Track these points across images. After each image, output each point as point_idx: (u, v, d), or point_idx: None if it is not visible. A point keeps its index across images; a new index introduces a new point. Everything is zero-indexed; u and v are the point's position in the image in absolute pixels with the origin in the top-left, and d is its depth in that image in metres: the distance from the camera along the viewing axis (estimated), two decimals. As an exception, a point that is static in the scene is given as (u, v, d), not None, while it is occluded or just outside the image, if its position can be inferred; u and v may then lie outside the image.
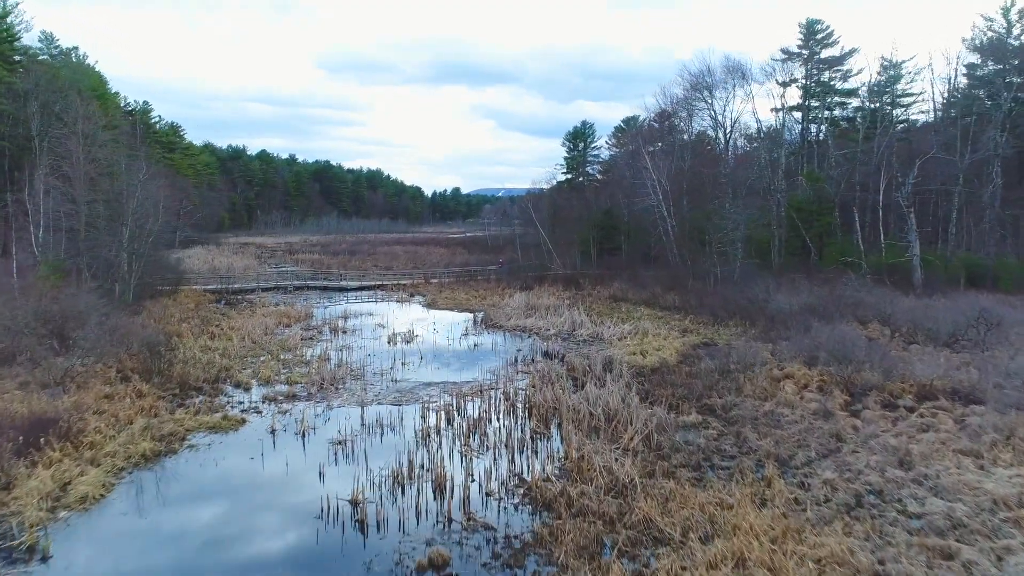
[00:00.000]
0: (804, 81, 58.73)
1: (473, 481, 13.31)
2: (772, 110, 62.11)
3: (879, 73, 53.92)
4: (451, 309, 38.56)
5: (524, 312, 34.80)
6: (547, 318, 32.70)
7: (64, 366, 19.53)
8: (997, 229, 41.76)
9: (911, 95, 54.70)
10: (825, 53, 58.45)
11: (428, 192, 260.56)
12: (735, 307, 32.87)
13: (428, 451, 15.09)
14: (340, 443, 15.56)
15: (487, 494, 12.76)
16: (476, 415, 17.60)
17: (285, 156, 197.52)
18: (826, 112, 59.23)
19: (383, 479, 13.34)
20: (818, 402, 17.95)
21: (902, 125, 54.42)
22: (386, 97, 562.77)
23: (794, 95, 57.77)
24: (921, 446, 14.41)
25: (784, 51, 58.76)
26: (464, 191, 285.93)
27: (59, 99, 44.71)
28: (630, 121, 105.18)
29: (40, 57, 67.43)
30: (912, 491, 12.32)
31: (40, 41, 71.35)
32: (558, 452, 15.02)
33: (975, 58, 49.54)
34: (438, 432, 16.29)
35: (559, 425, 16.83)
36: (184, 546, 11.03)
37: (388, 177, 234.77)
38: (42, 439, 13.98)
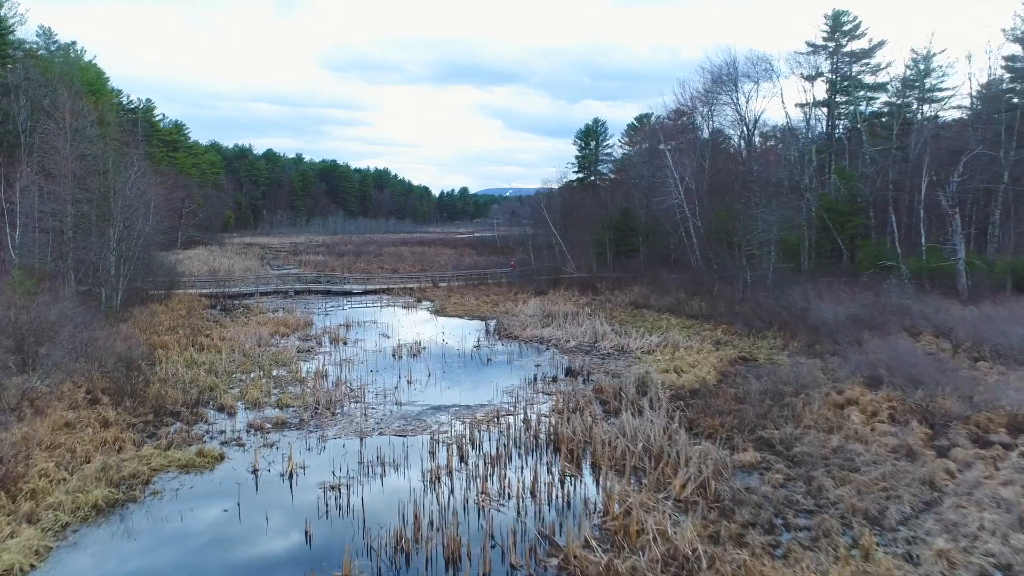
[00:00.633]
0: (830, 75, 55.88)
1: (494, 546, 10.74)
2: (797, 105, 59.24)
3: (909, 67, 51.07)
4: (461, 316, 36.02)
5: (540, 320, 32.20)
6: (566, 327, 30.09)
7: (22, 388, 17.09)
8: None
9: (942, 89, 51.79)
10: (851, 46, 55.52)
11: (435, 192, 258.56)
12: (771, 316, 30.18)
13: (438, 500, 12.54)
14: (333, 488, 13.03)
15: (512, 567, 10.18)
16: (494, 450, 15.03)
17: (291, 156, 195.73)
18: (852, 108, 56.38)
19: (383, 541, 10.78)
20: (894, 436, 15.29)
21: (936, 121, 51.56)
22: (393, 97, 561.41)
23: (815, 91, 54.98)
24: (1042, 500, 11.75)
25: (809, 44, 55.87)
26: (472, 191, 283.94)
27: (48, 93, 42.49)
28: (643, 119, 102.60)
29: (39, 52, 65.46)
30: (1055, 569, 9.67)
31: (38, 36, 69.33)
32: (596, 504, 12.42)
33: (1016, 49, 46.62)
34: (450, 473, 13.72)
35: (593, 465, 14.25)
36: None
37: (395, 177, 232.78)
38: (-30, 488, 11.52)
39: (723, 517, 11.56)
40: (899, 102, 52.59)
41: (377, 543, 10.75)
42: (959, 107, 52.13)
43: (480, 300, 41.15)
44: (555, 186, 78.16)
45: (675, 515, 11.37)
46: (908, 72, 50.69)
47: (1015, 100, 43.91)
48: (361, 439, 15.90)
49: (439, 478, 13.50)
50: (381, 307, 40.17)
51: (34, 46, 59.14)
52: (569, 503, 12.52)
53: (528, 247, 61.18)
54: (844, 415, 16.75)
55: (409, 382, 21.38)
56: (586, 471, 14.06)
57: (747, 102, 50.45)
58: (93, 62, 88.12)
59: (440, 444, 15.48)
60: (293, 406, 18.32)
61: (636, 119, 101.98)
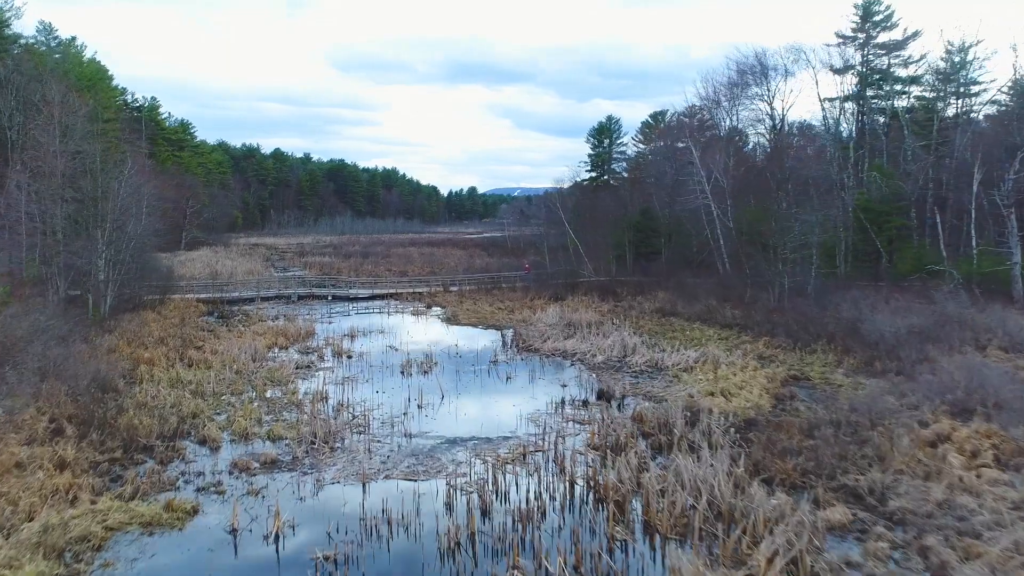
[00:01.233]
0: (860, 68, 52.91)
1: (535, 658, 8.13)
2: (825, 100, 56.39)
3: (944, 59, 48.07)
4: (475, 325, 33.43)
5: (561, 330, 29.57)
6: (590, 339, 27.44)
7: (-29, 419, 14.65)
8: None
9: (979, 83, 48.74)
10: (883, 37, 52.51)
11: (444, 192, 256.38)
12: (818, 328, 27.42)
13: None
14: (327, 558, 10.45)
15: None
16: (523, 502, 12.42)
17: (299, 155, 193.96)
18: (888, 102, 53.38)
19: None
20: (1010, 486, 12.58)
21: (974, 114, 48.60)
22: (401, 96, 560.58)
23: (845, 84, 52.02)
24: None
25: (838, 35, 52.89)
26: (480, 190, 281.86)
27: (39, 88, 40.26)
28: (658, 116, 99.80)
29: (40, 48, 63.44)
30: None
31: (38, 31, 67.38)
32: (660, 587, 9.79)
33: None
34: (471, 537, 11.12)
35: (646, 525, 11.62)
36: None
37: (403, 176, 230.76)
38: None
39: (831, 612, 8.91)
40: (937, 95, 49.66)
41: (381, 651, 8.17)
42: (994, 102, 49.11)
43: (494, 306, 38.57)
44: (565, 185, 75.49)
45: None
46: (944, 64, 47.75)
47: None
48: (363, 484, 13.33)
49: (458, 543, 10.90)
50: (389, 314, 37.65)
51: (31, 40, 57.00)
52: (625, 584, 9.90)
53: (543, 249, 58.50)
54: (939, 456, 14.03)
55: (420, 406, 18.79)
56: (639, 533, 11.43)
57: (774, 95, 47.75)
58: (96, 59, 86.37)
59: (458, 492, 12.89)
60: (286, 438, 15.77)
61: (651, 116, 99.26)
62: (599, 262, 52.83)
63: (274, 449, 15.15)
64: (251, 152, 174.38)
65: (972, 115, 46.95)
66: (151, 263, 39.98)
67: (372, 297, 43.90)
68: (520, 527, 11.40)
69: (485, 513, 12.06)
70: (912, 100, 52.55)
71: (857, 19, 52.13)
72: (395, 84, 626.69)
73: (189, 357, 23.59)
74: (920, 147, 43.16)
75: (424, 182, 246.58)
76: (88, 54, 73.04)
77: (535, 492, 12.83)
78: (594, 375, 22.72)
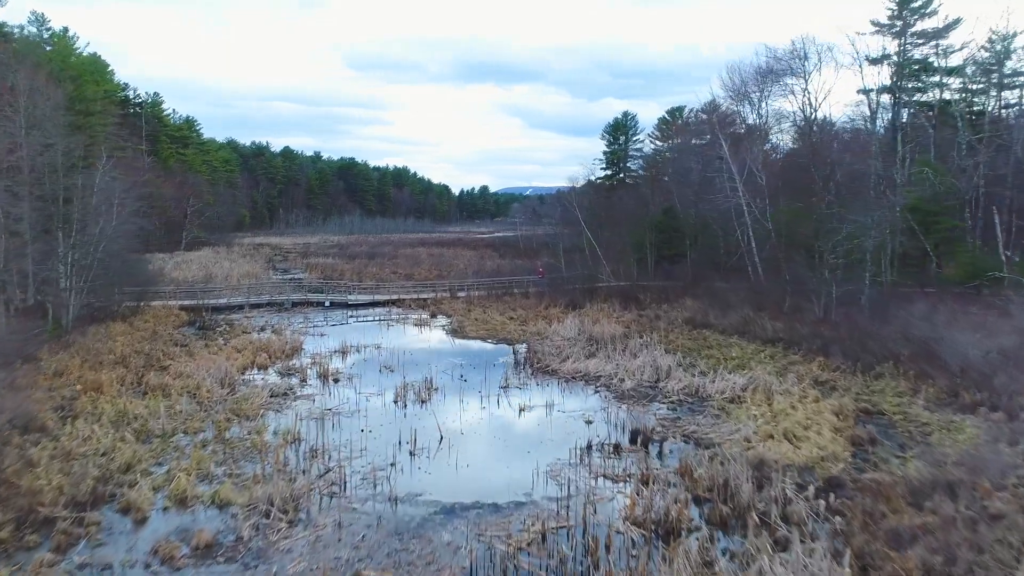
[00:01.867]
0: (896, 58, 48.75)
1: None
2: (859, 92, 52.16)
3: (986, 47, 43.90)
4: (483, 339, 29.79)
5: (582, 347, 25.88)
6: (616, 358, 23.74)
7: None
8: None
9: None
10: (921, 25, 48.29)
11: (455, 191, 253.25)
12: (880, 346, 23.56)
13: None
14: None
15: None
16: (544, 621, 8.78)
17: (310, 153, 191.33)
18: (926, 94, 49.20)
19: None
20: None
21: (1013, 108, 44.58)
22: (413, 96, 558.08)
23: (877, 75, 47.91)
24: None
25: (873, 23, 48.70)
26: (492, 189, 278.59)
27: (11, 75, 37.02)
28: (675, 112, 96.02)
29: (28, 37, 60.53)
30: None
31: (30, 22, 64.47)
32: None
33: None
34: None
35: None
36: None
37: (415, 175, 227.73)
38: None
39: None
40: (982, 86, 45.53)
41: None
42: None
43: (505, 316, 34.92)
44: (578, 184, 71.83)
45: None
46: (987, 54, 43.64)
47: None
48: (326, 585, 9.75)
49: None
50: (389, 324, 34.09)
51: (14, 30, 53.91)
52: None
53: (557, 251, 54.78)
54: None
55: (412, 452, 15.18)
56: None
57: (808, 80, 43.65)
58: (96, 54, 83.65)
59: (454, 601, 9.27)
60: (236, 504, 12.22)
61: (668, 112, 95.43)
62: (618, 265, 49.10)
63: (216, 522, 11.61)
64: (260, 150, 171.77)
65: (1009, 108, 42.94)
66: (132, 267, 36.66)
67: (372, 304, 40.41)
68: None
69: (490, 643, 8.45)
70: (953, 92, 48.40)
71: (894, 6, 47.97)
72: (406, 83, 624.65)
73: (147, 382, 20.12)
74: (975, 141, 39.08)
75: (435, 181, 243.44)
76: (86, 48, 70.08)
77: (560, 603, 9.20)
78: (623, 406, 19.01)
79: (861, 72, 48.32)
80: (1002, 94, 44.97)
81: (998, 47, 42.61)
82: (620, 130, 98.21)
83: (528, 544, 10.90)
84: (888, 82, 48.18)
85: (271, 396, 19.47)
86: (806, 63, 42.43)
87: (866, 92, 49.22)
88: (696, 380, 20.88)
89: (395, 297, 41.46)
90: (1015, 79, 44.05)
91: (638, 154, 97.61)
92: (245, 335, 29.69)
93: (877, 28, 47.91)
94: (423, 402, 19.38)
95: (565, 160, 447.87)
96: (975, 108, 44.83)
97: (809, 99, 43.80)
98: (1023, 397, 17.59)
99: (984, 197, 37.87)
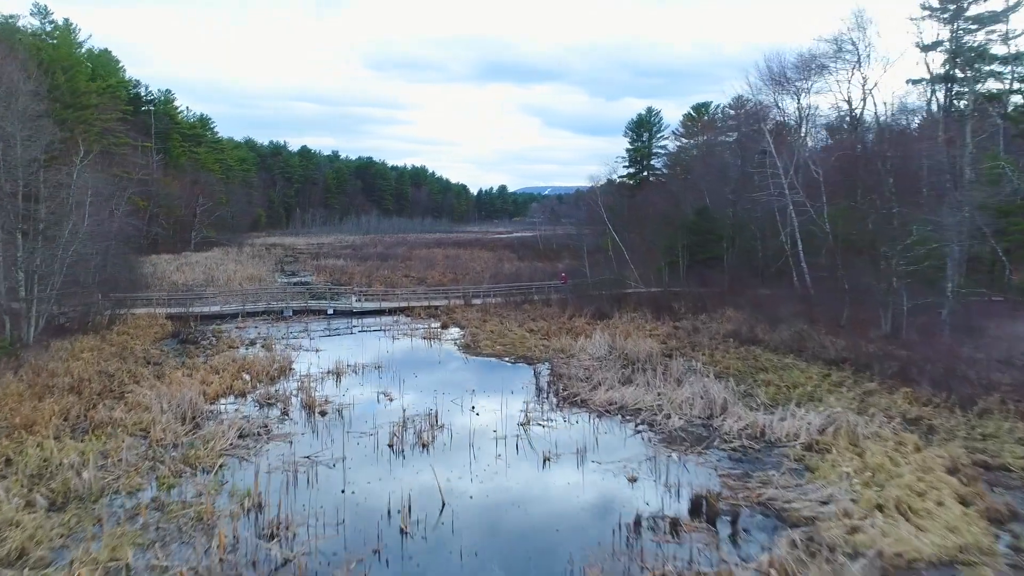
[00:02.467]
0: (950, 45, 44.23)
1: None
2: (909, 82, 47.66)
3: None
4: (499, 356, 26.07)
5: (615, 370, 22.07)
6: (657, 385, 19.93)
7: None
8: None
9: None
10: (975, 10, 43.73)
11: (474, 190, 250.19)
12: (978, 373, 19.51)
13: None
14: None
15: None
16: None
17: (327, 152, 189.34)
18: (985, 84, 44.57)
19: None
20: None
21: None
22: (432, 95, 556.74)
23: (926, 63, 43.42)
24: None
25: (924, 6, 44.22)
26: (510, 189, 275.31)
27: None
28: (701, 108, 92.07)
29: (38, 33, 58.09)
30: None
31: (32, 14, 62.04)
32: None
33: None
34: None
35: None
36: None
37: (433, 174, 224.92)
38: None
39: None
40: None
41: None
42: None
43: (525, 328, 31.19)
44: (599, 183, 68.00)
45: None
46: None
47: None
48: None
49: None
50: (395, 337, 30.49)
51: (9, 20, 51.22)
52: None
53: (580, 253, 50.91)
54: None
55: (404, 531, 11.51)
56: None
57: (853, 68, 39.33)
58: (108, 49, 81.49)
59: None
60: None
61: (693, 108, 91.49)
62: (646, 270, 45.22)
63: (111, 658, 8.02)
64: (278, 149, 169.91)
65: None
66: (117, 271, 33.53)
67: (379, 312, 36.91)
68: None
69: None
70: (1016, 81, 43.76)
71: (945, -13, 43.47)
72: (426, 83, 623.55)
73: (92, 417, 16.67)
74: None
75: (454, 180, 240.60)
76: (93, 43, 67.61)
77: None
78: (673, 454, 15.20)
79: (924, 54, 43.72)
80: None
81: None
82: (644, 127, 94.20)
83: None
84: (942, 71, 43.87)
85: (239, 436, 15.91)
86: (860, 43, 38.29)
87: (914, 82, 44.96)
88: (760, 418, 16.99)
89: (404, 305, 37.91)
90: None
91: (662, 151, 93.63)
92: (231, 350, 26.31)
93: (929, 12, 43.55)
94: (424, 446, 15.72)
95: (584, 160, 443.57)
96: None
97: (862, 86, 39.63)
98: None
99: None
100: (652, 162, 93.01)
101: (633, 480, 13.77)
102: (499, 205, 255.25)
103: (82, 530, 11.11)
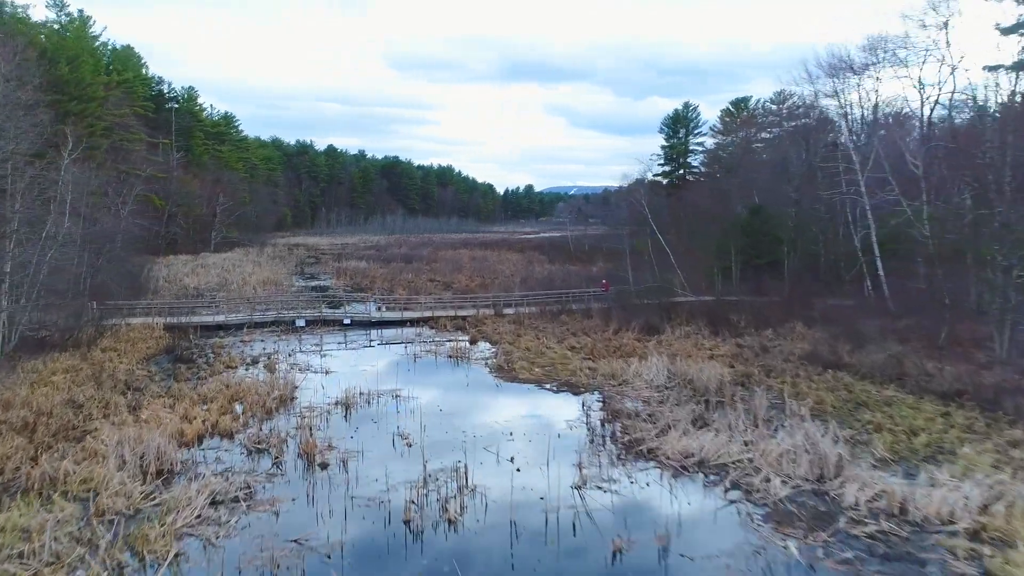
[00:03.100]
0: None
1: None
2: (985, 69, 42.68)
3: None
4: (539, 382, 22.13)
5: (683, 406, 18.03)
6: (741, 429, 15.87)
7: None
8: None
9: None
10: None
11: (500, 190, 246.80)
12: None
13: None
14: None
15: None
16: None
17: (354, 152, 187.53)
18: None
19: None
20: None
21: None
22: (456, 95, 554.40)
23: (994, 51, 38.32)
24: None
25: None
26: (536, 189, 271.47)
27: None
28: (740, 103, 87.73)
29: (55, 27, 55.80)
30: None
31: (48, 7, 59.87)
32: None
33: None
34: None
35: None
36: None
37: (459, 174, 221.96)
38: None
39: None
40: None
41: None
42: None
43: (566, 344, 27.25)
44: (627, 184, 63.89)
45: None
46: None
47: None
48: None
49: None
50: (417, 355, 26.74)
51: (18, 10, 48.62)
52: None
53: (620, 256, 46.74)
54: None
55: None
56: None
57: (928, 52, 34.58)
58: (130, 45, 79.64)
59: None
60: None
61: (732, 104, 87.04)
62: (691, 274, 41.02)
63: None
64: (304, 148, 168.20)
65: None
66: (110, 277, 30.37)
67: (401, 322, 33.27)
68: None
69: None
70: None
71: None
72: (449, 83, 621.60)
73: (31, 473, 13.15)
74: None
75: (480, 180, 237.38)
76: (113, 39, 65.23)
77: None
78: (790, 543, 11.14)
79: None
80: None
81: None
82: (680, 123, 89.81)
83: None
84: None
85: (211, 503, 12.24)
86: (945, 18, 33.61)
87: (991, 69, 40.06)
88: (894, 486, 12.82)
89: (429, 314, 34.21)
90: None
91: (699, 148, 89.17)
92: (229, 370, 22.85)
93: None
94: (451, 523, 11.87)
95: (609, 160, 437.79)
96: None
97: (951, 62, 34.78)
98: None
99: None
100: (688, 159, 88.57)
101: (745, 597, 9.77)
102: (525, 205, 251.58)
103: None
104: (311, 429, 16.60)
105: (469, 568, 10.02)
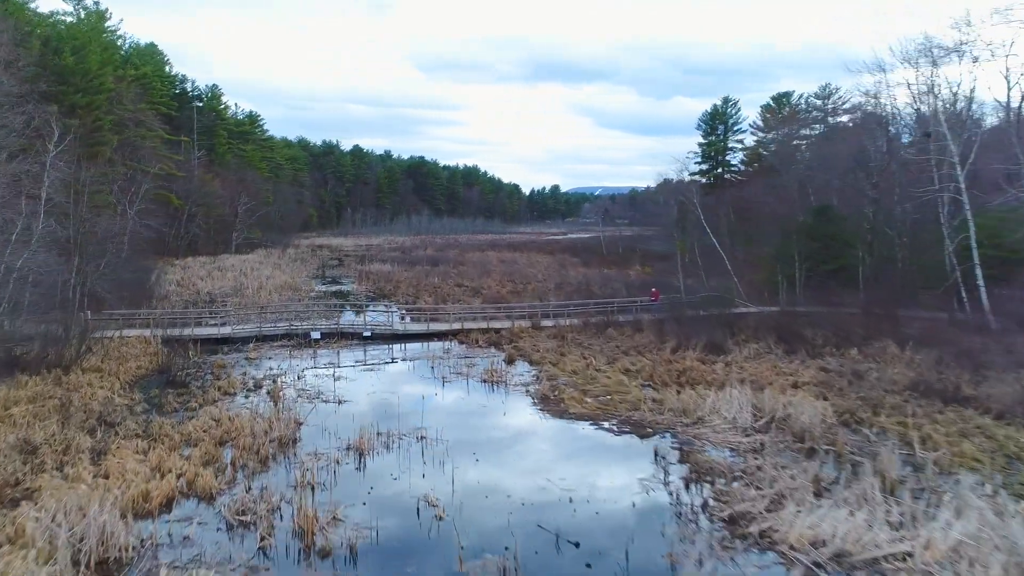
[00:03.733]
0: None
1: None
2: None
3: None
4: (595, 419, 18.20)
5: (800, 471, 14.06)
6: (880, 503, 11.88)
7: None
8: None
9: None
10: None
11: (525, 190, 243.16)
12: None
13: None
14: None
15: None
16: None
17: (379, 152, 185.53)
18: None
19: None
20: None
21: None
22: (481, 96, 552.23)
23: None
24: None
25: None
26: (562, 189, 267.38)
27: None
28: (781, 99, 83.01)
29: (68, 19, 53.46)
30: None
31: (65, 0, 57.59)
32: None
33: None
34: None
35: None
36: None
37: (485, 174, 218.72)
38: None
39: None
40: None
41: None
42: None
43: (618, 366, 23.28)
44: (653, 184, 59.79)
45: None
46: None
47: None
48: None
49: None
50: (445, 378, 23.00)
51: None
52: None
53: (673, 261, 42.60)
54: None
55: None
56: None
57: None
58: (153, 43, 77.65)
59: None
60: None
61: (773, 99, 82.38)
62: (749, 281, 36.88)
63: None
64: (330, 149, 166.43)
65: None
66: (104, 285, 27.21)
67: (426, 336, 29.66)
68: None
69: None
70: None
71: None
72: (476, 83, 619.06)
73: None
74: None
75: (505, 180, 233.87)
76: (133, 34, 62.86)
77: None
78: None
79: None
80: None
81: None
82: (719, 119, 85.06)
83: None
84: None
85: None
86: None
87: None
88: None
89: (458, 326, 30.53)
90: None
91: (738, 146, 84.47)
92: (226, 397, 19.39)
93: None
94: (501, 668, 8.10)
95: (635, 160, 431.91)
96: None
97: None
98: None
99: None
100: (727, 157, 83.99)
101: None
102: (551, 205, 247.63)
103: None
104: (313, 488, 12.97)
105: None
